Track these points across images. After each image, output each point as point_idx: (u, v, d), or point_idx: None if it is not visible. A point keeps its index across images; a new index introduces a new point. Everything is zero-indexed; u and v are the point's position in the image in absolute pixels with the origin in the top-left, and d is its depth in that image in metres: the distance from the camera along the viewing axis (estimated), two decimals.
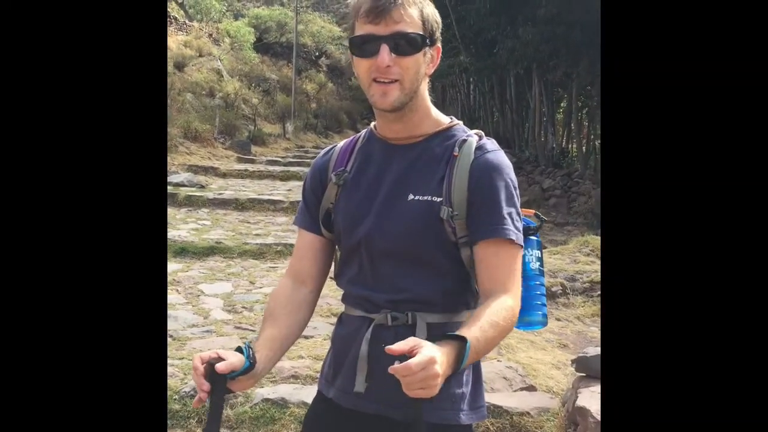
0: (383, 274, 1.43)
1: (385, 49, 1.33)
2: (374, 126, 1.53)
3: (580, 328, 5.10)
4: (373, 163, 1.48)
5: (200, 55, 18.31)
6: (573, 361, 3.22)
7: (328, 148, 1.60)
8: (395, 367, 1.12)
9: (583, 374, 3.08)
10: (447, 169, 1.41)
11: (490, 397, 3.36)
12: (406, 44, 1.34)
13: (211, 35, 20.62)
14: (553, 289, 5.96)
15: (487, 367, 3.83)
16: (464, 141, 1.42)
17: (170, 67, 15.55)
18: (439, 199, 1.38)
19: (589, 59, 11.15)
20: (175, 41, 17.53)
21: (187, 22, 20.61)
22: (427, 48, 1.38)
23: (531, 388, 3.59)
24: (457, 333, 1.23)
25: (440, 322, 1.40)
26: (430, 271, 1.41)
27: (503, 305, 1.32)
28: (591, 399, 2.80)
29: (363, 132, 1.57)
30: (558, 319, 5.33)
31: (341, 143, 1.57)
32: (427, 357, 1.12)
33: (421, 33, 1.36)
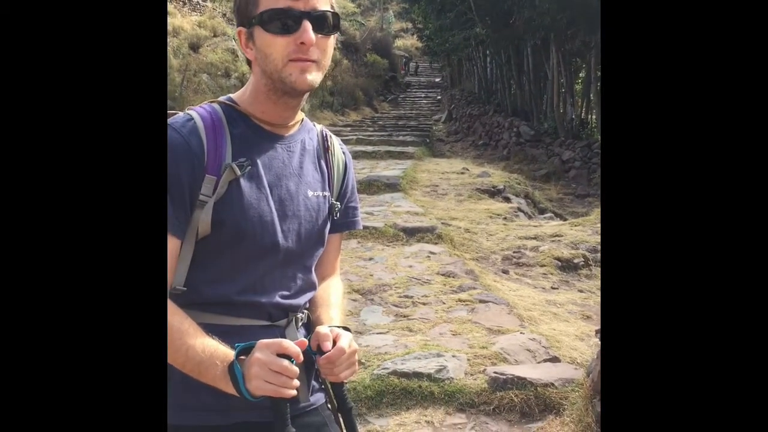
0: (290, 278, 1.36)
1: (309, 26, 1.21)
2: (233, 104, 1.33)
3: None
4: (261, 153, 1.31)
5: (215, 35, 18.26)
6: (597, 332, 3.22)
7: (180, 121, 1.26)
8: (331, 354, 1.22)
9: None
10: (326, 164, 1.42)
11: (513, 369, 3.38)
12: (326, 23, 1.25)
13: (224, 15, 20.54)
14: (575, 260, 5.93)
15: (510, 340, 3.84)
16: (328, 134, 1.46)
17: (185, 48, 15.56)
18: (327, 194, 1.41)
19: None
20: (189, 22, 17.49)
21: (200, 2, 20.56)
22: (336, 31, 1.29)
23: (555, 360, 3.60)
24: (335, 325, 1.33)
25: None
26: (312, 266, 1.43)
27: (341, 287, 1.52)
28: None
29: (210, 108, 1.31)
30: (581, 291, 5.31)
31: (196, 119, 1.27)
32: (350, 338, 1.27)
33: (336, 13, 1.27)
